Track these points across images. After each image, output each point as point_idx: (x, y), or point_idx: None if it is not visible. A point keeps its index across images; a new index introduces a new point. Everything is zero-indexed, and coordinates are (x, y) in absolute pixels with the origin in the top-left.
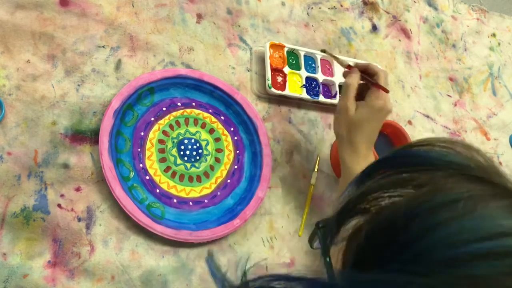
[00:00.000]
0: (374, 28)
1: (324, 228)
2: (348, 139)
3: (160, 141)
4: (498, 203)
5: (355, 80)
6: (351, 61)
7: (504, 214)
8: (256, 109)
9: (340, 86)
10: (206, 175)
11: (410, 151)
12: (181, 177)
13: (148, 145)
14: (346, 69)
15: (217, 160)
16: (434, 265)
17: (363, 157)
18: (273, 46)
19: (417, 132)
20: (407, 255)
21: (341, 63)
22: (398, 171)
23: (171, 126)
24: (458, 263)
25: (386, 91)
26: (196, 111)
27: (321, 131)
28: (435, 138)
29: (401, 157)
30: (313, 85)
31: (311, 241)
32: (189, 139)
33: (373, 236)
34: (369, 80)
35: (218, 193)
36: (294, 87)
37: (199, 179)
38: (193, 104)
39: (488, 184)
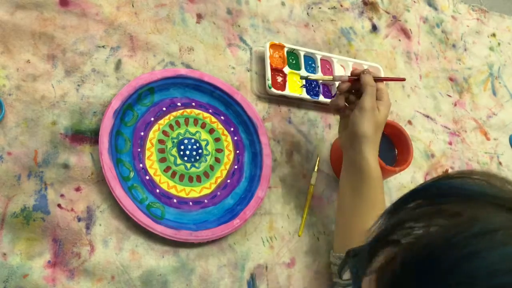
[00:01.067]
0: (374, 28)
1: (356, 257)
2: (373, 140)
3: (160, 141)
4: None
5: (372, 79)
6: (350, 61)
7: None
8: (256, 109)
9: None
10: (206, 175)
11: (444, 182)
12: (181, 177)
13: (148, 145)
14: (352, 76)
15: (217, 160)
16: None
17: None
18: (273, 46)
19: (417, 132)
20: (446, 283)
21: (334, 78)
22: (431, 202)
23: (171, 126)
24: None
25: (403, 79)
26: (196, 111)
27: (321, 131)
28: (470, 170)
29: (435, 188)
30: (313, 85)
31: (341, 270)
32: (189, 139)
33: (410, 265)
34: (382, 79)
35: (218, 193)
36: (294, 87)
37: (199, 179)
38: (193, 104)
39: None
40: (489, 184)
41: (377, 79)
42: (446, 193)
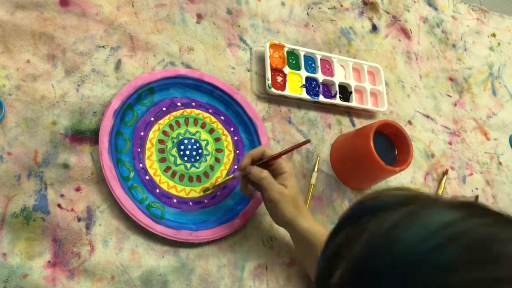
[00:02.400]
0: (374, 28)
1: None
2: (300, 211)
3: (160, 141)
4: (424, 215)
5: (262, 171)
6: (350, 61)
7: (432, 218)
8: (256, 109)
9: (340, 86)
10: (206, 175)
11: (355, 208)
12: (181, 177)
13: (148, 145)
14: (242, 171)
15: (217, 160)
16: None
17: (307, 212)
18: (273, 46)
19: (417, 132)
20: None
21: (234, 176)
22: (352, 227)
23: (171, 126)
24: (414, 270)
25: (302, 144)
26: (196, 111)
27: (321, 131)
28: (381, 190)
29: (350, 215)
30: (313, 85)
31: None
32: (189, 139)
33: (349, 276)
34: (272, 158)
35: (218, 193)
36: (294, 87)
37: (199, 179)
38: (193, 104)
39: (409, 203)
40: (392, 197)
41: (273, 157)
42: (361, 214)
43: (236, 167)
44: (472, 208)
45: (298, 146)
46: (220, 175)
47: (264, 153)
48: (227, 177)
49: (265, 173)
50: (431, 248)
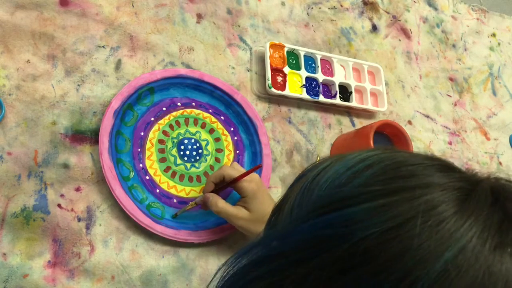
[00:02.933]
0: (374, 28)
1: None
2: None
3: (160, 141)
4: (347, 157)
5: (220, 201)
6: (350, 61)
7: (352, 157)
8: (256, 109)
9: (340, 86)
10: (206, 175)
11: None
12: (181, 177)
13: (148, 145)
14: (200, 200)
15: (217, 160)
16: (321, 201)
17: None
18: (273, 46)
19: (417, 132)
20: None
21: (196, 203)
22: (295, 184)
23: (171, 126)
24: (337, 190)
25: (256, 168)
26: (196, 111)
27: (321, 131)
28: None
29: (297, 177)
30: (313, 85)
31: None
32: (189, 139)
33: (284, 215)
34: (232, 182)
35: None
36: (294, 87)
37: (199, 179)
38: (193, 104)
39: (338, 155)
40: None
41: (232, 181)
42: (304, 173)
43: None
44: (379, 149)
45: (253, 170)
46: None
47: (224, 176)
48: (190, 203)
49: (220, 205)
50: (351, 174)
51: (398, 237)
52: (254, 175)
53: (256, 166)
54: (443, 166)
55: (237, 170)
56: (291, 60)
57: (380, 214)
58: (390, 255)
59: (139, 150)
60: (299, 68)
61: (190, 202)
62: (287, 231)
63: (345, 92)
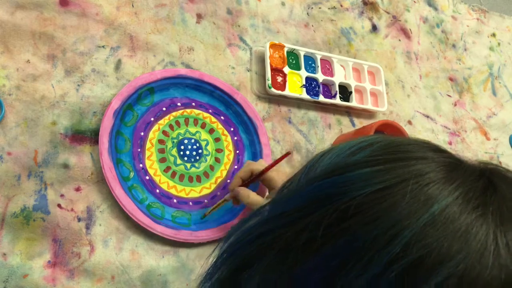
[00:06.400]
0: (374, 28)
1: None
2: None
3: (160, 141)
4: (351, 140)
5: (251, 193)
6: (350, 61)
7: (356, 139)
8: (256, 109)
9: (340, 86)
10: (206, 175)
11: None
12: (181, 177)
13: (148, 145)
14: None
15: (217, 160)
16: (323, 171)
17: None
18: (273, 46)
19: (417, 132)
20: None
21: (224, 201)
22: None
23: (171, 126)
24: (339, 164)
25: (284, 157)
26: (196, 111)
27: (321, 131)
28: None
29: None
30: (313, 85)
31: None
32: (189, 139)
33: (289, 187)
34: (259, 174)
35: (218, 193)
36: (294, 87)
37: (199, 179)
38: (193, 104)
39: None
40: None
41: (260, 174)
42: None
43: (228, 182)
44: (382, 135)
45: (280, 159)
46: (220, 175)
47: (252, 171)
48: (220, 201)
49: (251, 197)
50: (354, 150)
51: (390, 194)
52: (281, 166)
53: (284, 155)
54: (436, 148)
55: (262, 163)
56: (291, 60)
57: (375, 176)
58: (381, 208)
59: (139, 150)
60: (299, 68)
61: (219, 201)
62: (293, 194)
63: (345, 92)
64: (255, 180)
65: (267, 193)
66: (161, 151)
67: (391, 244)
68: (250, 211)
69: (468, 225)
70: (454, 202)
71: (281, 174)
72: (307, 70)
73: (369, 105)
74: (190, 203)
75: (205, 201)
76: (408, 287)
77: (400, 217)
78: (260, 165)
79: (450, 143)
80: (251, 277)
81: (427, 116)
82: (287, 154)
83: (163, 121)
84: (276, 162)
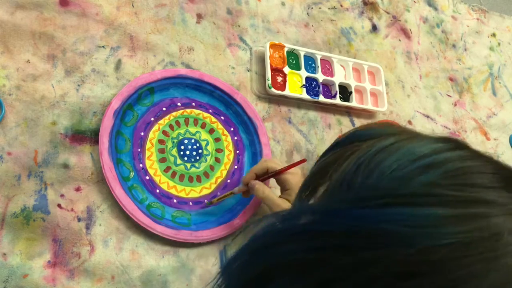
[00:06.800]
0: (374, 28)
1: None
2: None
3: (160, 141)
4: (414, 143)
5: (266, 189)
6: (350, 61)
7: (421, 145)
8: (256, 109)
9: (340, 86)
10: (206, 175)
11: (352, 133)
12: (181, 177)
13: (148, 145)
14: (245, 185)
15: (217, 160)
16: (384, 190)
17: None
18: (273, 46)
19: None
20: (354, 193)
21: (234, 192)
22: (343, 149)
23: (171, 126)
24: (402, 182)
25: (301, 162)
26: (196, 111)
27: (321, 131)
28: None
29: (347, 138)
30: (313, 85)
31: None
32: (189, 139)
33: (334, 187)
34: (275, 174)
35: (218, 193)
36: (294, 87)
37: (199, 179)
38: (193, 104)
39: (402, 134)
40: (385, 128)
41: (276, 173)
42: (354, 139)
43: (241, 179)
44: (451, 142)
45: (296, 164)
46: (220, 175)
47: (268, 168)
48: (226, 193)
49: (266, 192)
50: (416, 168)
51: (470, 256)
52: (297, 169)
53: (300, 160)
54: (507, 176)
55: (279, 163)
56: (291, 60)
57: (457, 224)
58: (468, 272)
59: (139, 150)
60: (299, 68)
61: (227, 192)
62: (336, 208)
63: (345, 92)
64: (270, 178)
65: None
66: (161, 151)
67: None
68: (251, 210)
69: None
70: None
71: (297, 177)
72: (307, 70)
73: (369, 105)
74: (190, 203)
75: (205, 201)
76: None
77: (495, 286)
78: (276, 164)
79: None
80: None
81: (427, 116)
82: (303, 161)
83: (163, 121)
84: (292, 166)
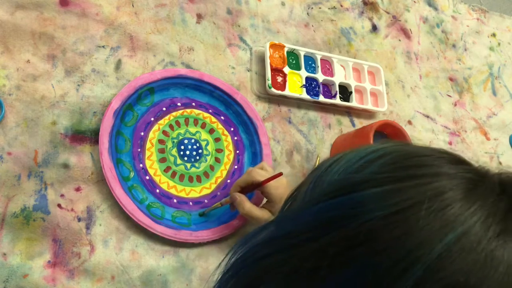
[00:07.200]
0: (374, 28)
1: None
2: None
3: (160, 141)
4: (359, 149)
5: (247, 203)
6: (350, 61)
7: (364, 148)
8: (256, 109)
9: (340, 86)
10: (206, 175)
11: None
12: (181, 177)
13: (148, 145)
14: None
15: (217, 160)
16: (333, 187)
17: None
18: (273, 46)
19: (417, 132)
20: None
21: (222, 203)
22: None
23: (171, 126)
24: (347, 178)
25: (277, 176)
26: (196, 111)
27: (321, 131)
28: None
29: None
30: (313, 85)
31: None
32: (189, 139)
33: (298, 199)
34: (255, 186)
35: (218, 193)
36: (294, 87)
37: (199, 179)
38: (193, 104)
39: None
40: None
41: (258, 185)
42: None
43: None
44: (398, 141)
45: (274, 177)
46: (220, 175)
47: (253, 182)
48: (215, 204)
49: (246, 208)
50: (362, 163)
51: (403, 220)
52: (281, 179)
53: (277, 174)
54: (453, 159)
55: (263, 173)
56: (291, 60)
57: (386, 198)
58: (393, 236)
59: (139, 150)
60: (299, 68)
61: (216, 203)
62: (298, 213)
63: (345, 92)
64: (253, 190)
65: (263, 201)
66: (161, 151)
67: (402, 278)
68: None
69: (487, 255)
70: (472, 229)
71: (280, 190)
72: (307, 70)
73: (369, 105)
74: (190, 203)
75: (205, 201)
76: None
77: (412, 247)
78: (260, 175)
79: (450, 143)
80: None
81: (427, 116)
82: (280, 174)
83: (163, 121)
84: (271, 178)
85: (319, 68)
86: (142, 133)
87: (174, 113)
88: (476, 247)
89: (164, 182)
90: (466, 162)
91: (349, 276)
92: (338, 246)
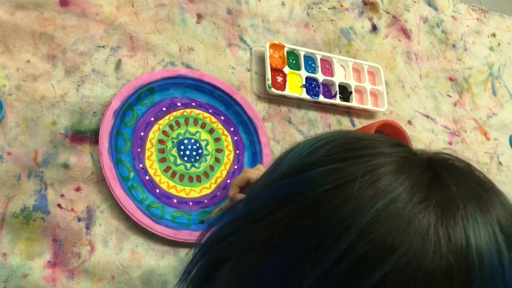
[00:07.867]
0: (374, 28)
1: None
2: None
3: (160, 141)
4: (312, 137)
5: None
6: (350, 61)
7: (316, 136)
8: (256, 109)
9: (340, 86)
10: (206, 175)
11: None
12: (181, 177)
13: (148, 145)
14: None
15: (217, 160)
16: (286, 169)
17: None
18: (273, 46)
19: (417, 132)
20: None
21: (221, 208)
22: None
23: (171, 126)
24: (300, 161)
25: None
26: (196, 111)
27: (321, 131)
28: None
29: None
30: (313, 85)
31: None
32: (189, 139)
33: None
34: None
35: (218, 193)
36: (294, 87)
37: (199, 179)
38: (193, 104)
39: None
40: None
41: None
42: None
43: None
44: (344, 130)
45: None
46: (220, 175)
47: (249, 179)
48: (215, 210)
49: None
50: (312, 149)
51: (341, 192)
52: None
53: None
54: (392, 142)
55: (258, 172)
56: (291, 60)
57: (329, 175)
58: (332, 206)
59: (139, 150)
60: (299, 68)
61: (215, 209)
62: (261, 192)
63: (345, 92)
64: None
65: None
66: (161, 151)
67: (339, 241)
68: None
69: (410, 219)
70: (399, 197)
71: None
72: (307, 70)
73: (369, 105)
74: (190, 203)
75: (205, 201)
76: (353, 283)
77: (348, 214)
78: (255, 173)
79: (450, 143)
80: (221, 275)
81: (427, 116)
82: None
83: (163, 121)
84: None
85: (319, 68)
86: (142, 133)
87: (174, 113)
88: (402, 212)
89: (164, 182)
90: (404, 145)
91: (297, 241)
92: (289, 217)
